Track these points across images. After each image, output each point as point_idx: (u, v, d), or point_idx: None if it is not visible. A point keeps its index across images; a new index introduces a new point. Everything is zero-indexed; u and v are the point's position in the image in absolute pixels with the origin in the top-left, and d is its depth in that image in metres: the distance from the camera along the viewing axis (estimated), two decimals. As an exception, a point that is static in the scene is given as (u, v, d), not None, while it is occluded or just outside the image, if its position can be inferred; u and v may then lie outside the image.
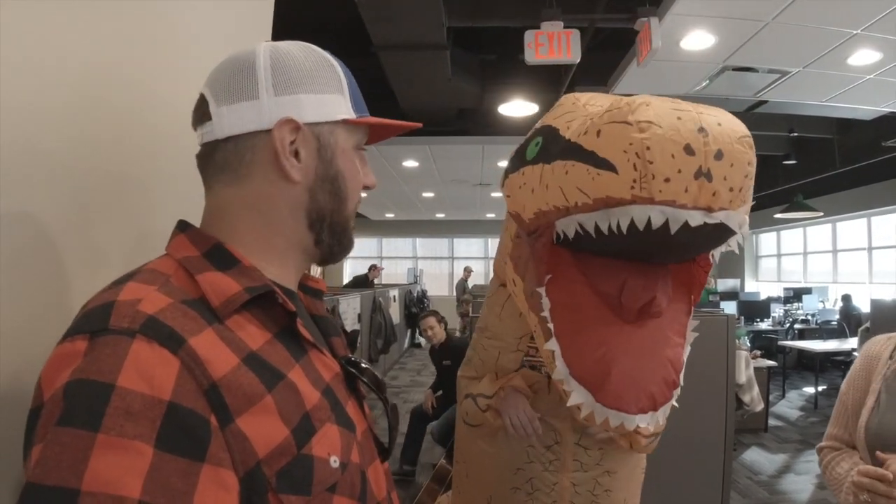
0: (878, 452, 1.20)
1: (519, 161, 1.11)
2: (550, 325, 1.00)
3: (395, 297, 9.58)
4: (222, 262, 0.68)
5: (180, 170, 0.95)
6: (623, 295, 0.95)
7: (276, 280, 0.73)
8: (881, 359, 1.36)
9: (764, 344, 7.58)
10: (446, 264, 15.43)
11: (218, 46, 0.97)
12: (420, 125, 0.89)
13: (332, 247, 0.79)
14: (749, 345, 7.00)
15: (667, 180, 0.78)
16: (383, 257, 15.53)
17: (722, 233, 0.85)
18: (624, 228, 0.83)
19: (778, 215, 8.37)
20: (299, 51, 0.75)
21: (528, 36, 3.81)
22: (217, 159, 0.72)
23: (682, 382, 0.98)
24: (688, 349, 1.02)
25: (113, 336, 0.55)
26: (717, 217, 0.80)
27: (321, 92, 0.74)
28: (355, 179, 0.79)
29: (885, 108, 5.33)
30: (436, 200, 11.29)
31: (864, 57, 4.12)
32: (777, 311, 9.48)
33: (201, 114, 0.73)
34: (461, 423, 1.61)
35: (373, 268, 10.97)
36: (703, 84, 4.82)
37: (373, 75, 5.06)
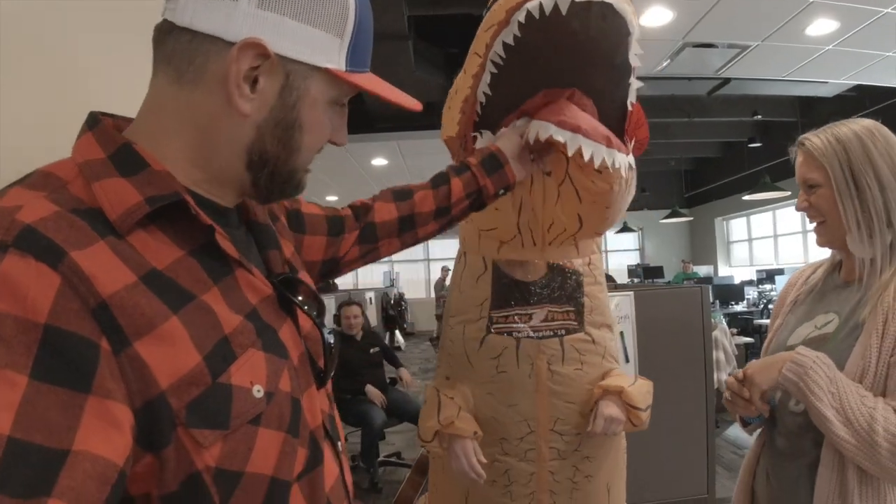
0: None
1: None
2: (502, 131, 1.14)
3: (370, 298, 9.47)
4: (128, 166, 0.59)
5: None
6: (543, 95, 1.08)
7: (199, 191, 0.65)
8: (796, 285, 1.39)
9: (740, 325, 7.63)
10: (422, 267, 15.34)
11: None
12: (419, 107, 0.77)
13: (271, 193, 0.70)
14: (726, 325, 7.04)
15: None
16: (358, 263, 15.40)
17: (612, 22, 0.97)
18: (523, 19, 0.95)
19: (746, 197, 8.44)
20: None
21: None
22: (167, 46, 0.62)
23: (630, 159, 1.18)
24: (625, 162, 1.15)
25: None
26: None
27: (314, 24, 0.62)
28: (317, 134, 0.69)
29: (845, 80, 5.40)
30: (408, 201, 11.22)
31: (821, 27, 4.17)
32: (751, 293, 9.57)
33: None
34: None
35: None
36: (665, 63, 4.84)
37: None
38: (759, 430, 1.34)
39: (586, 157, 1.06)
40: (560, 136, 1.04)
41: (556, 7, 0.92)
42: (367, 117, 6.28)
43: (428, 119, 6.86)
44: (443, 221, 1.10)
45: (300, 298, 0.72)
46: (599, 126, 1.09)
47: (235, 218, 0.73)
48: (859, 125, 1.19)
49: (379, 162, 7.79)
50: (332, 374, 0.77)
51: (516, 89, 1.08)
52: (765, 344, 1.39)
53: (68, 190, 0.56)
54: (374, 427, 3.90)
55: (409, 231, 1.08)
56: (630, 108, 1.15)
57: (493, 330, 1.44)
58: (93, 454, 0.46)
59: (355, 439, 4.17)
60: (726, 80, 5.53)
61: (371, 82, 0.70)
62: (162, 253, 0.58)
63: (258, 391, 0.60)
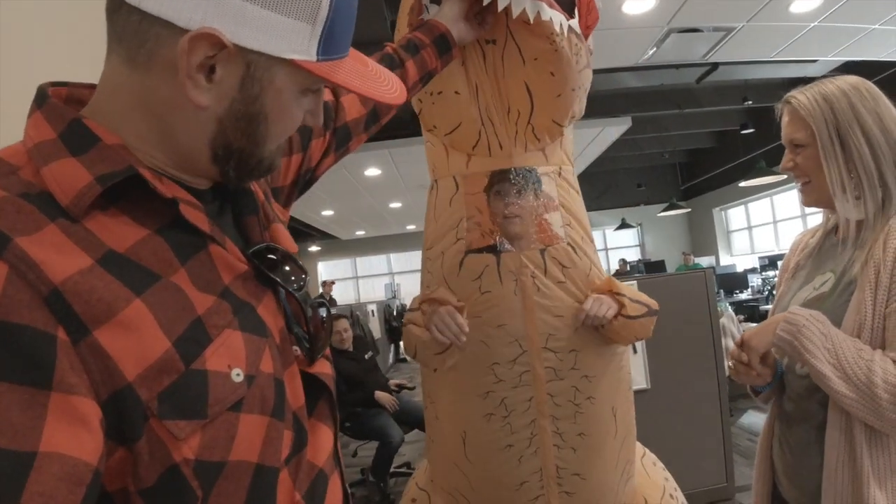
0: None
1: None
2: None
3: (373, 311, 9.45)
4: (78, 144, 0.54)
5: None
6: None
7: (163, 167, 0.59)
8: (797, 250, 1.38)
9: (747, 312, 7.59)
10: (423, 277, 15.31)
11: None
12: (401, 99, 0.73)
13: (242, 180, 0.65)
14: (732, 312, 6.99)
15: None
16: (359, 277, 15.36)
17: None
18: None
19: (743, 184, 8.41)
20: None
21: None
22: (118, 24, 0.55)
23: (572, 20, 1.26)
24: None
25: None
26: None
27: (280, 11, 0.55)
28: (284, 123, 0.63)
29: (833, 58, 5.36)
30: (404, 211, 11.16)
31: (805, 3, 4.12)
32: (755, 280, 9.53)
33: None
34: (422, 364, 1.52)
35: (325, 284, 11.10)
36: (651, 51, 4.80)
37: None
38: (771, 401, 1.31)
39: (501, 6, 1.12)
40: None
41: None
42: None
43: (418, 125, 6.85)
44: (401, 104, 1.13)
45: (285, 269, 0.66)
46: None
47: (207, 192, 0.66)
48: (846, 82, 1.18)
49: (372, 172, 7.75)
50: (325, 348, 0.72)
51: None
52: (770, 311, 1.38)
53: (19, 175, 0.52)
54: (392, 444, 3.82)
55: (374, 123, 1.06)
56: None
57: (471, 251, 1.40)
58: (61, 454, 0.43)
59: (365, 453, 4.10)
60: (714, 66, 5.50)
61: (345, 73, 0.63)
62: (123, 234, 0.53)
63: (237, 375, 0.55)
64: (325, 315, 0.72)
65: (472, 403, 1.40)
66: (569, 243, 1.42)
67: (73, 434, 0.44)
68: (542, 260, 1.39)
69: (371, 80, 0.67)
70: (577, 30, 1.27)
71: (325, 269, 15.26)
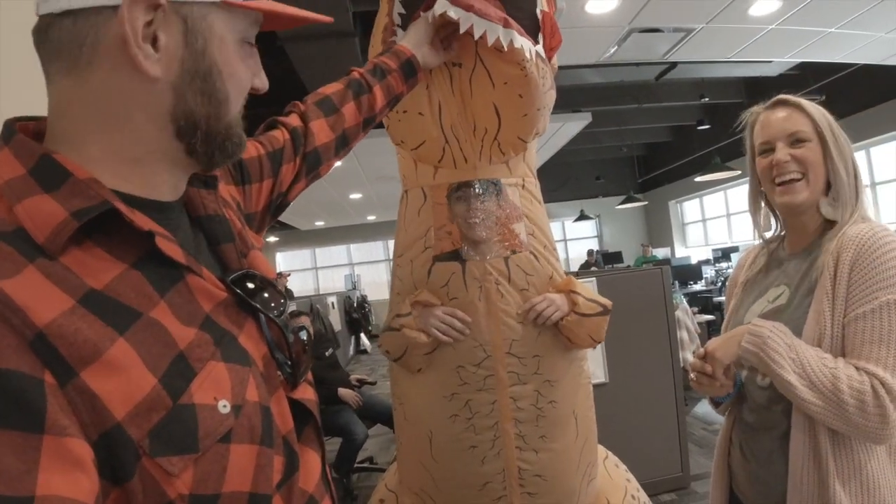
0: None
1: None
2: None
3: (333, 303, 9.37)
4: (49, 180, 0.53)
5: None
6: None
7: (133, 191, 0.59)
8: (744, 267, 1.41)
9: (700, 304, 7.78)
10: (384, 268, 15.24)
11: None
12: (330, 19, 0.74)
13: (212, 156, 0.64)
14: (686, 304, 7.17)
15: None
16: (318, 268, 15.22)
17: None
18: None
19: (698, 178, 8.63)
20: None
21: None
22: (52, 39, 0.56)
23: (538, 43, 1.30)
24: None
25: None
26: None
27: None
28: (237, 78, 0.63)
29: (789, 59, 5.52)
30: (365, 202, 11.10)
31: (764, 7, 4.22)
32: (708, 272, 9.78)
33: None
34: (392, 364, 1.54)
35: (279, 276, 10.87)
36: (612, 50, 4.86)
37: (285, 68, 4.89)
38: (729, 409, 1.35)
39: (477, 34, 1.15)
40: (453, 12, 1.13)
41: None
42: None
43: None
44: (368, 128, 1.13)
45: (264, 296, 0.66)
46: (497, 9, 1.18)
47: (180, 213, 0.66)
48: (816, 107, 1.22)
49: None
50: (307, 373, 0.72)
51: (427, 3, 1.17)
52: (723, 325, 1.41)
53: None
54: (356, 441, 3.80)
55: (344, 148, 1.07)
56: (540, 16, 1.25)
57: (438, 259, 1.45)
58: (59, 497, 0.42)
59: (331, 447, 4.06)
60: (673, 65, 5.61)
61: (269, 4, 0.65)
62: (100, 270, 0.52)
63: (224, 406, 0.55)
64: (306, 339, 0.72)
65: (438, 404, 1.43)
66: (531, 252, 1.46)
67: (69, 476, 0.44)
68: (506, 268, 1.42)
69: (295, 10, 0.69)
70: (543, 54, 1.32)
71: (284, 260, 15.07)
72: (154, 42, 0.56)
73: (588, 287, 1.52)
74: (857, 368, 1.04)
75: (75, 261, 0.51)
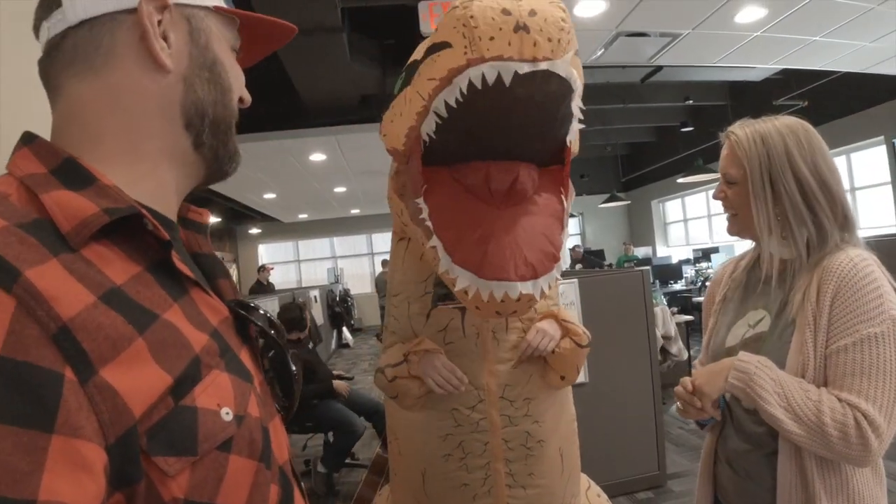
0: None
1: (390, 101, 1.18)
2: (429, 224, 1.06)
3: (315, 297, 9.34)
4: (75, 181, 0.54)
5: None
6: (489, 181, 1.07)
7: (148, 204, 0.60)
8: (722, 281, 1.43)
9: (680, 304, 7.88)
10: (367, 261, 15.23)
11: None
12: (295, 29, 0.79)
13: (217, 150, 0.67)
14: (666, 304, 7.25)
15: (491, 38, 0.88)
16: (301, 260, 15.16)
17: (557, 87, 0.95)
18: (465, 89, 0.92)
19: (680, 180, 8.72)
20: None
21: (423, 8, 3.76)
22: (66, 49, 0.60)
23: (566, 260, 1.10)
24: (567, 233, 1.10)
25: None
26: (542, 66, 0.89)
27: None
28: (234, 73, 0.70)
29: (773, 65, 5.59)
30: (349, 195, 11.06)
31: (750, 14, 4.28)
32: (688, 272, 9.90)
33: (49, 3, 0.61)
34: (388, 399, 1.55)
35: (262, 269, 10.83)
36: (599, 53, 4.90)
37: (273, 69, 4.87)
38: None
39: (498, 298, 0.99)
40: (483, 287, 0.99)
41: (499, 77, 0.90)
42: (302, 112, 6.14)
43: (365, 111, 6.79)
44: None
45: (259, 323, 0.68)
46: (527, 250, 1.02)
47: (181, 245, 0.68)
48: (785, 124, 1.22)
49: (317, 157, 7.63)
50: (297, 401, 0.74)
51: (460, 137, 1.06)
52: (703, 343, 1.45)
53: (10, 202, 0.50)
54: (356, 433, 3.84)
55: None
56: (569, 144, 1.11)
57: (437, 304, 1.44)
58: (62, 503, 0.41)
59: (313, 442, 4.08)
60: (659, 68, 5.66)
61: (247, 12, 0.72)
62: (119, 269, 0.52)
63: (227, 413, 0.54)
64: (295, 371, 0.73)
65: (433, 444, 1.46)
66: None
67: (75, 481, 0.42)
68: (505, 318, 1.42)
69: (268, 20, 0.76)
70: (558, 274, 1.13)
71: (267, 252, 14.99)
72: (164, 39, 0.62)
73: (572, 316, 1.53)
74: (840, 400, 1.08)
75: (96, 255, 0.51)
